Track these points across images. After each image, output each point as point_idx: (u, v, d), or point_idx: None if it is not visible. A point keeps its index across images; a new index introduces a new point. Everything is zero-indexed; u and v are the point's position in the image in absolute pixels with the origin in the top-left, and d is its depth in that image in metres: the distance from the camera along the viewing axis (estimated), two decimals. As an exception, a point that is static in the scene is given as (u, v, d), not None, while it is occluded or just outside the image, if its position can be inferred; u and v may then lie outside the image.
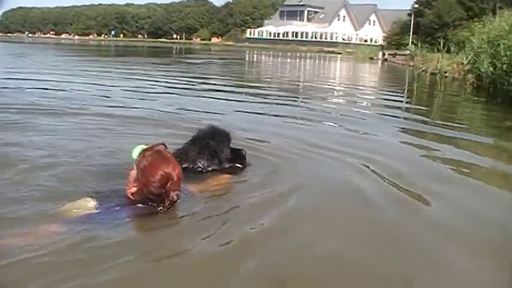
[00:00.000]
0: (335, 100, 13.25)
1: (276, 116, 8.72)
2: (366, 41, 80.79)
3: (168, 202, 3.35)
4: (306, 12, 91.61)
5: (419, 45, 35.60)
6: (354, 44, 76.20)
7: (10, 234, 3.03)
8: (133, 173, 3.40)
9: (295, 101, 12.00)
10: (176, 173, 3.37)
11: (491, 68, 14.17)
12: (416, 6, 60.92)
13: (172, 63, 26.80)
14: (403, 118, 9.95)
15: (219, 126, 4.59)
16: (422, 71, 26.05)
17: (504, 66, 12.57)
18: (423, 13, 58.09)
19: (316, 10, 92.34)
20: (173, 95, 11.24)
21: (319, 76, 24.74)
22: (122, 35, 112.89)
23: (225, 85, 14.68)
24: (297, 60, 41.34)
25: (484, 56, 15.43)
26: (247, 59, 41.39)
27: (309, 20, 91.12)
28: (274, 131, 6.81)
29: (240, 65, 30.41)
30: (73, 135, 5.95)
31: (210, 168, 4.33)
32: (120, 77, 15.20)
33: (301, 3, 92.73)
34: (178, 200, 3.44)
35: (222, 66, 26.99)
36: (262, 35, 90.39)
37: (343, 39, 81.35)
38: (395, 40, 63.55)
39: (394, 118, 9.59)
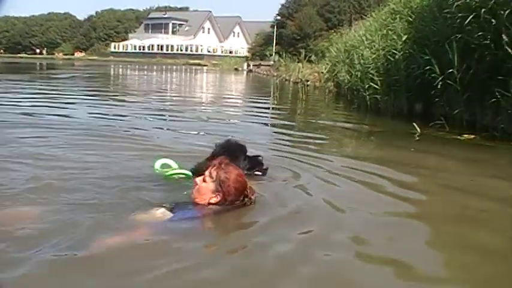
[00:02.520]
0: (207, 109, 13.49)
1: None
2: (231, 52, 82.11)
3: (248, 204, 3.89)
4: (170, 25, 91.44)
5: (282, 55, 36.75)
6: (219, 55, 77.28)
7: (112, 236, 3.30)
8: (209, 185, 3.81)
9: (168, 113, 12.07)
10: (247, 181, 3.94)
11: (347, 76, 14.99)
12: (279, 18, 62.99)
13: (37, 79, 25.52)
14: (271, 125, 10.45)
15: (234, 140, 5.06)
16: (286, 80, 26.94)
17: (358, 74, 13.35)
18: (285, 24, 60.17)
19: (181, 23, 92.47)
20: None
21: (187, 88, 24.82)
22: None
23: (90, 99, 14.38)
24: (163, 73, 41.09)
25: (341, 65, 16.30)
26: (112, 73, 40.46)
27: (174, 32, 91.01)
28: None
29: (106, 79, 29.63)
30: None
31: None
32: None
33: (166, 16, 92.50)
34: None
35: (88, 81, 26.15)
36: (127, 49, 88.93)
37: (209, 51, 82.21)
38: (259, 51, 65.17)
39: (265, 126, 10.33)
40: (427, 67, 10.02)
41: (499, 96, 8.37)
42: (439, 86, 9.74)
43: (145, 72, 42.74)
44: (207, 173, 3.88)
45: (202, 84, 29.44)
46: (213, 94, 20.55)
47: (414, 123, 9.24)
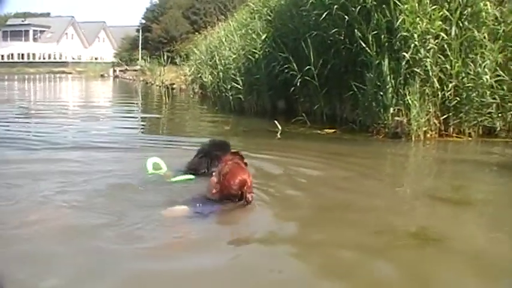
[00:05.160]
0: (74, 118, 12.59)
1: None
2: (96, 58, 79.47)
3: (245, 202, 4.05)
4: (31, 31, 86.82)
5: (148, 59, 36.11)
6: (84, 62, 74.54)
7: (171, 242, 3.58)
8: (214, 178, 4.10)
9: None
10: (250, 180, 4.11)
11: (210, 77, 14.83)
12: (144, 21, 61.90)
13: None
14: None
15: (218, 139, 5.43)
16: (152, 84, 26.44)
17: (221, 74, 13.26)
18: (151, 28, 59.21)
19: (43, 29, 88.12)
20: None
21: (52, 97, 23.38)
22: None
23: None
24: (26, 83, 38.60)
25: (205, 66, 16.09)
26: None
27: (35, 40, 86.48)
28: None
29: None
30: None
31: None
32: None
33: (26, 22, 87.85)
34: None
35: None
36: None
37: (73, 58, 78.98)
38: (126, 56, 63.66)
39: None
40: (287, 65, 10.06)
41: (356, 90, 8.52)
42: (298, 83, 9.82)
43: (6, 82, 39.79)
44: (217, 168, 4.20)
45: (68, 93, 27.88)
46: (81, 103, 19.46)
47: (275, 121, 9.19)
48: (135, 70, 42.48)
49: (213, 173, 4.22)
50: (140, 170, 5.17)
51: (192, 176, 4.90)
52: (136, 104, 18.33)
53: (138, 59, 51.92)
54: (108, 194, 4.45)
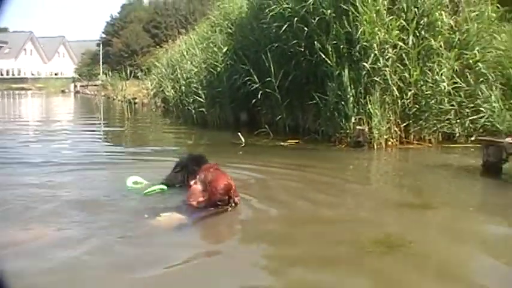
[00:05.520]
0: (35, 134, 12.42)
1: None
2: (56, 74, 78.32)
3: (233, 204, 4.21)
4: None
5: (110, 74, 35.76)
6: (44, 78, 73.34)
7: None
8: (198, 187, 4.19)
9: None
10: (233, 184, 4.23)
11: (173, 91, 14.79)
12: (104, 36, 61.34)
13: None
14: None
15: (196, 154, 5.42)
16: (114, 99, 26.18)
17: (183, 88, 13.22)
18: (112, 42, 58.70)
19: (0, 45, 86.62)
20: None
21: (12, 114, 22.88)
22: None
23: None
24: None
25: (167, 80, 16.02)
26: None
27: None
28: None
29: None
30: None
31: None
32: None
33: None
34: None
35: None
36: None
37: (32, 74, 77.64)
38: (86, 71, 62.90)
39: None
40: (248, 77, 10.09)
41: (317, 101, 8.59)
42: (260, 95, 9.85)
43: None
44: (198, 176, 4.27)
45: (28, 111, 27.26)
46: (41, 120, 19.08)
47: (239, 133, 9.18)
48: (96, 85, 42.03)
49: (192, 183, 4.28)
50: (114, 183, 5.23)
51: (164, 187, 4.91)
52: (98, 119, 18.11)
53: (99, 74, 51.39)
54: (88, 208, 4.35)
